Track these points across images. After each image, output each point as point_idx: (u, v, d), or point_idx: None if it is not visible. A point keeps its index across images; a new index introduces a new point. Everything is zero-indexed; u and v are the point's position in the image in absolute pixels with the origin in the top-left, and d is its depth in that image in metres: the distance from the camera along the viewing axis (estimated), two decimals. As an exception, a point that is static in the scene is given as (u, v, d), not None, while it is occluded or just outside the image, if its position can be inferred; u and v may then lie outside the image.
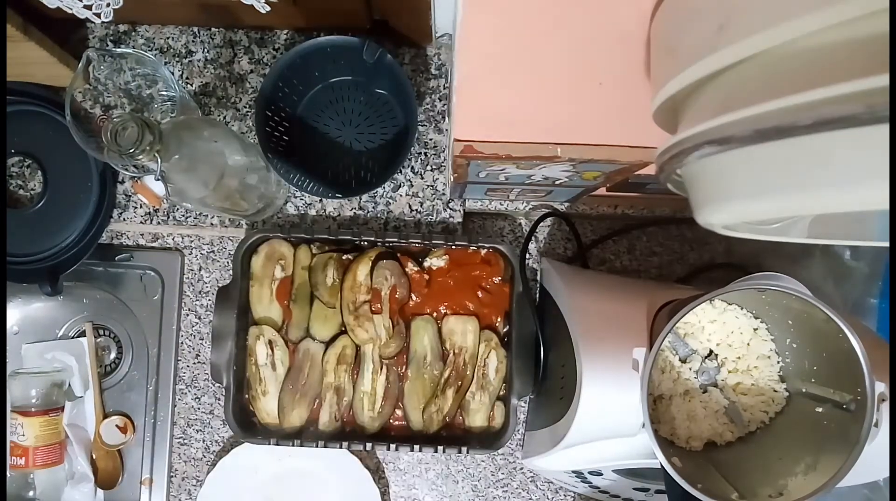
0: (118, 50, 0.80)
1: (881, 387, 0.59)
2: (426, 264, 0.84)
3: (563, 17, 0.46)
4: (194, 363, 0.91)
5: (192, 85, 0.89)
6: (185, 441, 0.91)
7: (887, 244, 0.44)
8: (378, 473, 0.91)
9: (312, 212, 0.89)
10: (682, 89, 0.36)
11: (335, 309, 0.83)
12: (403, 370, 0.83)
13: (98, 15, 0.67)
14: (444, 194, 0.89)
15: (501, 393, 0.83)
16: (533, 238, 0.92)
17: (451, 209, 0.89)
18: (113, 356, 0.93)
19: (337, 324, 0.83)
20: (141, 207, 0.89)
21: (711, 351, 0.72)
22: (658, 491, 0.78)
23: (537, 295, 0.88)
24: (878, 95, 0.25)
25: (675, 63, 0.36)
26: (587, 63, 0.50)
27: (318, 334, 0.83)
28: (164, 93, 0.81)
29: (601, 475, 0.76)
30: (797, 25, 0.28)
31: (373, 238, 0.83)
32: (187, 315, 0.91)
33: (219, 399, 0.90)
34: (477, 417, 0.82)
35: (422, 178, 0.89)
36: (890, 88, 0.24)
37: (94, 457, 0.89)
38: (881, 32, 0.26)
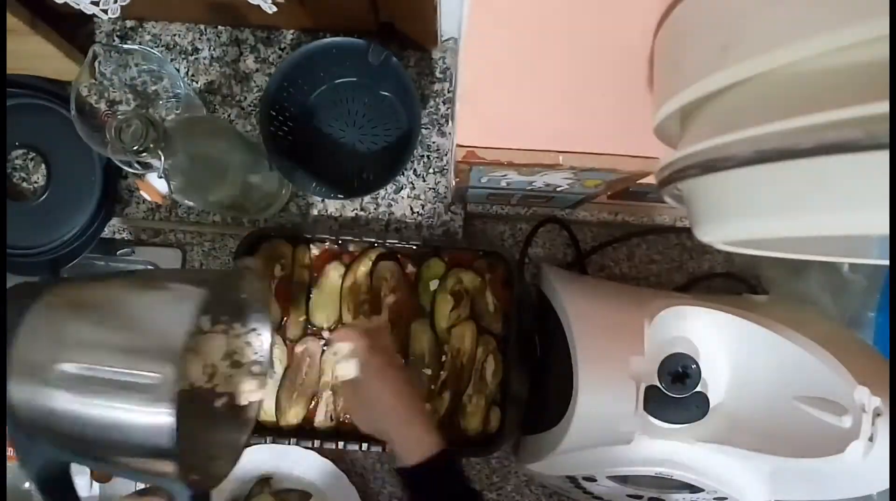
0: (125, 46, 0.80)
1: (876, 402, 0.59)
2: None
3: (568, 27, 0.46)
4: (193, 360, 0.91)
5: (197, 82, 0.89)
6: (182, 437, 0.91)
7: (886, 263, 0.45)
8: (373, 472, 0.91)
9: (314, 212, 0.89)
10: (683, 106, 0.36)
11: (334, 299, 0.83)
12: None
13: (105, 11, 0.67)
14: (445, 197, 0.89)
15: (498, 397, 0.83)
16: (532, 243, 0.93)
17: (452, 213, 0.89)
18: (112, 350, 0.93)
19: (336, 311, 0.84)
20: (143, 202, 0.89)
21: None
22: (651, 499, 0.78)
23: (536, 300, 0.88)
24: (879, 122, 0.25)
25: (678, 80, 0.36)
26: (591, 73, 0.51)
27: (318, 321, 0.84)
28: (170, 90, 0.82)
29: (595, 481, 0.76)
30: (800, 48, 0.28)
31: (373, 240, 0.83)
32: (187, 311, 0.91)
33: (216, 396, 0.90)
34: (473, 420, 0.82)
35: (424, 181, 0.89)
36: (890, 115, 0.24)
37: (91, 450, 0.90)
38: (883, 58, 0.26)
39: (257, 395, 0.68)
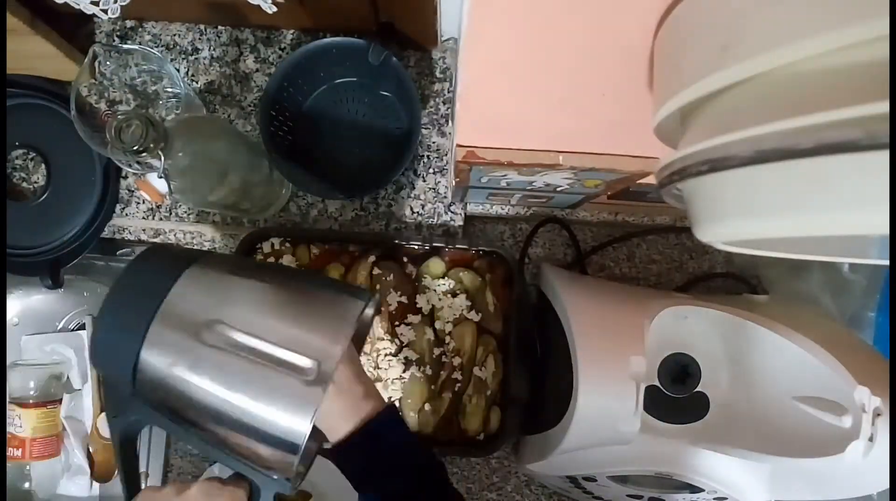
0: (125, 46, 0.80)
1: (876, 402, 0.60)
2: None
3: (568, 27, 0.46)
4: (193, 360, 0.91)
5: (197, 82, 0.89)
6: (182, 437, 0.91)
7: (886, 263, 0.45)
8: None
9: (314, 212, 0.89)
10: (683, 106, 0.36)
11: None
12: (401, 372, 0.83)
13: (105, 11, 0.67)
14: (445, 197, 0.89)
15: (498, 397, 0.83)
16: (533, 243, 0.93)
17: (452, 212, 0.89)
18: (112, 350, 0.93)
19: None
20: (143, 202, 0.89)
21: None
22: (651, 499, 0.78)
23: (536, 300, 0.88)
24: (879, 122, 0.25)
25: (678, 80, 0.36)
26: (591, 73, 0.51)
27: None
28: (170, 90, 0.81)
29: (595, 481, 0.76)
30: (800, 48, 0.28)
31: (374, 240, 0.83)
32: (187, 311, 0.91)
33: (216, 396, 0.90)
34: (473, 420, 0.82)
35: (424, 180, 0.89)
36: (890, 115, 0.24)
37: (91, 450, 0.90)
38: (883, 58, 0.26)
39: None
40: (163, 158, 0.60)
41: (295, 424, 0.49)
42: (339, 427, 0.54)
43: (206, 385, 0.50)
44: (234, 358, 0.50)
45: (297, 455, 0.50)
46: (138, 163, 0.62)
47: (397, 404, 0.83)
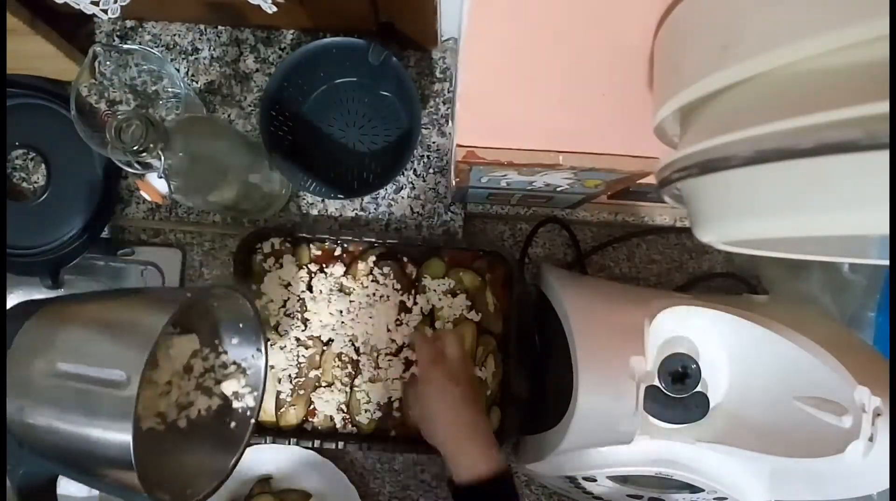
0: (125, 46, 0.80)
1: (876, 402, 0.59)
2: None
3: (568, 27, 0.46)
4: (193, 360, 0.91)
5: (197, 82, 0.89)
6: (182, 437, 0.91)
7: (885, 263, 0.45)
8: (373, 472, 0.91)
9: (314, 212, 0.89)
10: (683, 106, 0.36)
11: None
12: (401, 372, 0.83)
13: (105, 11, 0.67)
14: (445, 197, 0.89)
15: (498, 397, 0.83)
16: (532, 243, 0.93)
17: (452, 212, 0.89)
18: (112, 350, 0.93)
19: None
20: (144, 202, 0.89)
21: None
22: (651, 499, 0.78)
23: (536, 300, 0.88)
24: (879, 122, 0.25)
25: (678, 80, 0.36)
26: (591, 73, 0.51)
27: (317, 321, 0.83)
28: (170, 90, 0.82)
29: (595, 481, 0.76)
30: (800, 48, 0.28)
31: (374, 239, 0.84)
32: (187, 311, 0.91)
33: (216, 396, 0.90)
34: (473, 420, 0.82)
35: (424, 180, 0.89)
36: (890, 115, 0.24)
37: (91, 451, 0.90)
38: (883, 58, 0.26)
39: (248, 400, 0.70)
40: (163, 158, 0.60)
41: (119, 436, 0.50)
42: (462, 473, 0.65)
43: (49, 420, 0.53)
44: (64, 388, 0.53)
45: (133, 470, 0.51)
46: (138, 163, 0.62)
47: (396, 404, 0.83)
